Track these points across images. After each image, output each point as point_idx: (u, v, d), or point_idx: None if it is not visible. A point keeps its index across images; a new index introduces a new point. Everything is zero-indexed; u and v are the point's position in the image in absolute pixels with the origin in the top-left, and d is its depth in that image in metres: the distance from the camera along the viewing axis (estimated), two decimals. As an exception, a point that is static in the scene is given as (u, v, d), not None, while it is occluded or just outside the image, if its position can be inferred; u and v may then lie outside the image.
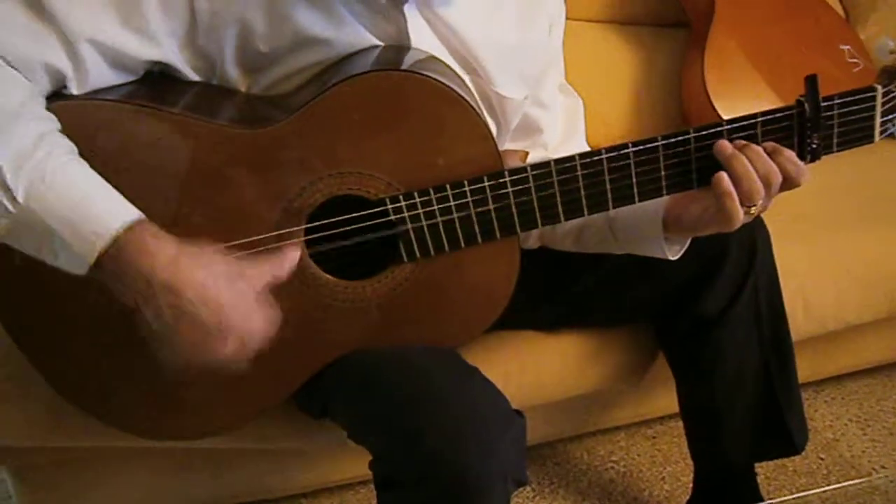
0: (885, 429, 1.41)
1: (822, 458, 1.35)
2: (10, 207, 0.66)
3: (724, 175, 0.78)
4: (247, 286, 0.71)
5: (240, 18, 0.78)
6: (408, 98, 0.77)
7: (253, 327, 0.71)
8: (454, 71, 0.85)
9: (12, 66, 0.72)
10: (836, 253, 1.24)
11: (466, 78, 0.88)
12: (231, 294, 0.70)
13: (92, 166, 0.72)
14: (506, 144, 0.97)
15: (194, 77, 0.82)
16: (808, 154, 0.81)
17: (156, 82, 0.80)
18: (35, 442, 1.03)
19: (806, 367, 1.13)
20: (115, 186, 0.72)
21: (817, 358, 1.37)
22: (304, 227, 0.80)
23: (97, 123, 0.75)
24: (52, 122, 0.71)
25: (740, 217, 0.79)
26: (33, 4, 0.71)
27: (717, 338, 1.04)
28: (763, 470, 1.28)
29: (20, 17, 0.71)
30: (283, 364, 0.87)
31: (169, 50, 0.78)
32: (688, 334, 1.06)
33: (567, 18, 0.99)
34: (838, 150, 0.83)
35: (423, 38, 0.83)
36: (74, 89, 0.75)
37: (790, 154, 0.79)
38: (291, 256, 0.76)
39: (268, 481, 1.23)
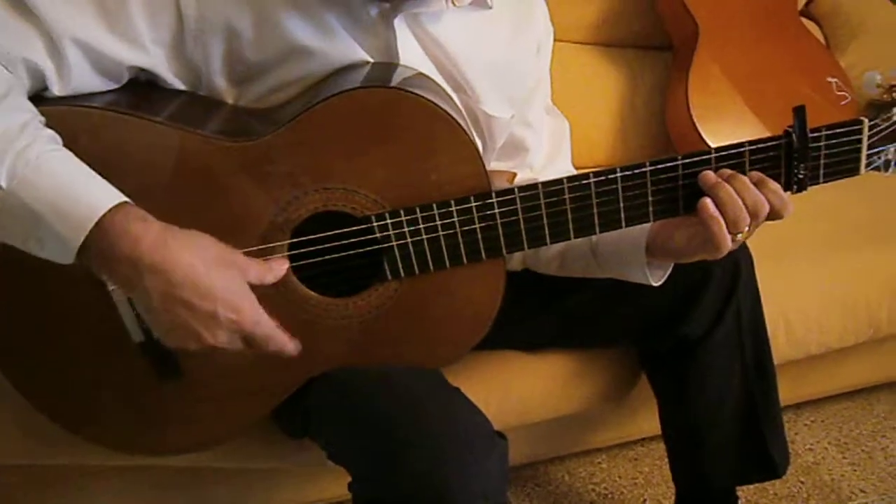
0: (865, 452, 1.41)
1: (802, 482, 1.35)
2: None
3: (708, 200, 0.78)
4: (237, 273, 0.71)
5: (228, 25, 0.77)
6: (397, 115, 0.77)
7: (245, 314, 0.71)
8: (443, 89, 0.85)
9: None
10: (819, 277, 1.25)
11: (454, 96, 0.88)
12: (222, 280, 0.70)
13: None
14: (492, 163, 0.97)
15: (179, 86, 0.81)
16: (795, 184, 0.82)
17: (141, 90, 0.80)
18: (5, 459, 1.00)
19: (786, 390, 1.14)
20: None
21: (798, 380, 1.38)
22: (288, 241, 0.80)
23: (81, 130, 0.73)
24: (35, 114, 0.70)
25: (728, 243, 0.79)
26: (18, 4, 0.70)
27: (700, 360, 1.04)
28: (744, 493, 1.28)
29: (5, 17, 0.70)
30: (264, 379, 0.86)
31: (155, 57, 0.77)
32: (670, 356, 1.07)
33: (553, 40, 0.99)
34: (825, 182, 0.83)
35: (411, 55, 0.83)
36: (56, 90, 0.74)
37: (775, 186, 0.79)
38: (279, 267, 0.76)
39: (246, 501, 1.21)
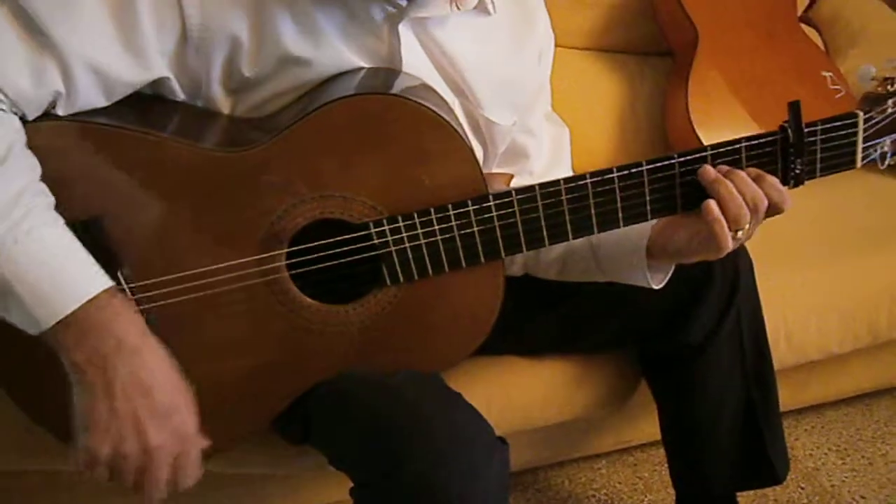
0: (865, 458, 1.41)
1: (802, 488, 1.35)
2: None
3: (712, 202, 0.78)
4: (189, 390, 0.73)
5: (229, 35, 0.77)
6: (391, 121, 0.77)
7: (187, 427, 0.72)
8: (440, 95, 0.85)
9: (8, 99, 0.70)
10: (819, 283, 1.24)
11: (455, 101, 0.88)
12: (180, 388, 0.72)
13: (76, 190, 0.72)
14: (493, 169, 0.97)
15: (180, 95, 0.81)
16: (792, 179, 0.82)
17: (141, 105, 0.80)
18: (10, 465, 1.00)
19: (786, 396, 1.14)
20: (100, 210, 0.73)
21: (798, 386, 1.38)
22: (286, 250, 0.80)
23: (83, 146, 0.74)
24: (32, 172, 0.70)
25: (729, 243, 0.79)
26: (30, 26, 0.70)
27: (700, 366, 1.04)
28: (744, 500, 1.27)
29: (19, 45, 0.70)
30: (264, 388, 0.86)
31: (160, 70, 0.77)
32: (670, 362, 1.06)
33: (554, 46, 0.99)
34: (822, 175, 0.83)
35: (415, 60, 0.83)
36: (61, 111, 0.74)
37: (773, 180, 0.79)
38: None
39: (244, 506, 1.21)
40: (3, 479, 1.07)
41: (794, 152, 0.80)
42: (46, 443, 0.90)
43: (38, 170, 0.71)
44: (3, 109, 0.70)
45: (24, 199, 0.68)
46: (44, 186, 0.71)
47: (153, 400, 0.70)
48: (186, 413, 0.72)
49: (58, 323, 0.67)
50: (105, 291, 0.69)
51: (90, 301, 0.67)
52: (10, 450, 0.98)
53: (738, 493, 1.15)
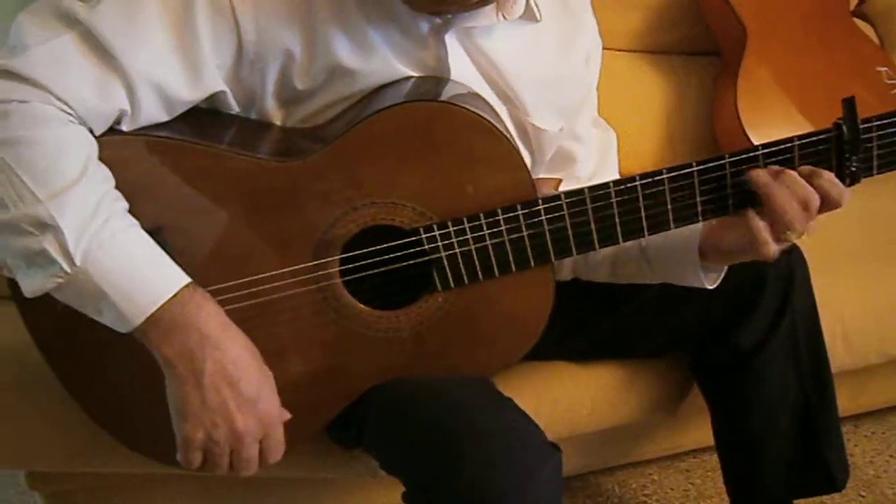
0: (928, 466, 1.37)
1: (862, 496, 1.31)
2: (68, 269, 0.68)
3: (751, 211, 0.78)
4: (270, 374, 0.76)
5: (283, 49, 0.79)
6: (441, 128, 0.77)
7: (272, 411, 0.75)
8: (487, 102, 0.85)
9: (77, 116, 0.72)
10: (877, 284, 1.22)
11: (503, 108, 0.89)
12: (263, 374, 0.75)
13: (139, 201, 0.74)
14: (540, 175, 0.97)
15: (235, 108, 0.83)
16: (848, 177, 0.80)
17: (197, 118, 0.82)
18: (73, 468, 1.03)
19: (845, 400, 1.11)
20: (162, 220, 0.76)
21: (857, 390, 1.34)
22: (338, 257, 0.81)
23: (143, 158, 0.76)
24: (108, 182, 0.73)
25: (772, 248, 0.78)
26: (98, 48, 0.72)
27: (754, 370, 1.02)
28: (802, 507, 1.24)
29: (87, 65, 0.72)
30: (317, 394, 0.87)
31: (216, 82, 0.79)
32: (724, 366, 1.05)
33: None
34: (879, 173, 0.82)
35: (462, 69, 0.84)
36: (125, 126, 0.77)
37: (829, 175, 0.78)
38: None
39: (295, 509, 1.22)
40: (62, 481, 1.11)
41: (849, 149, 0.79)
42: (108, 445, 0.93)
43: (112, 179, 0.74)
44: (73, 122, 0.73)
45: (105, 205, 0.71)
46: (119, 193, 0.73)
47: (240, 390, 0.72)
48: (270, 397, 0.75)
49: (145, 321, 0.70)
50: (186, 287, 0.71)
51: (173, 297, 0.70)
52: (74, 452, 1.01)
53: (795, 501, 1.13)
